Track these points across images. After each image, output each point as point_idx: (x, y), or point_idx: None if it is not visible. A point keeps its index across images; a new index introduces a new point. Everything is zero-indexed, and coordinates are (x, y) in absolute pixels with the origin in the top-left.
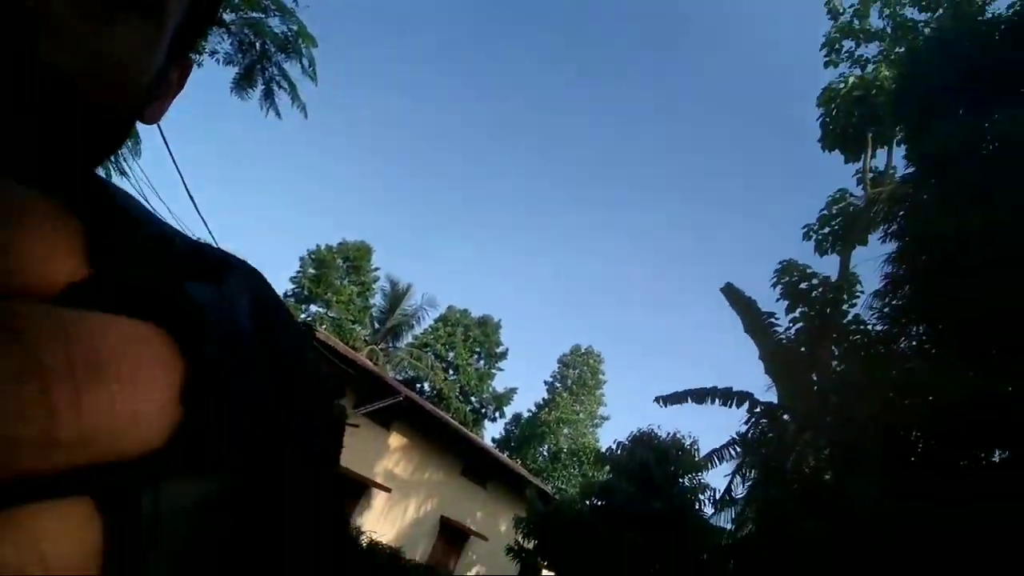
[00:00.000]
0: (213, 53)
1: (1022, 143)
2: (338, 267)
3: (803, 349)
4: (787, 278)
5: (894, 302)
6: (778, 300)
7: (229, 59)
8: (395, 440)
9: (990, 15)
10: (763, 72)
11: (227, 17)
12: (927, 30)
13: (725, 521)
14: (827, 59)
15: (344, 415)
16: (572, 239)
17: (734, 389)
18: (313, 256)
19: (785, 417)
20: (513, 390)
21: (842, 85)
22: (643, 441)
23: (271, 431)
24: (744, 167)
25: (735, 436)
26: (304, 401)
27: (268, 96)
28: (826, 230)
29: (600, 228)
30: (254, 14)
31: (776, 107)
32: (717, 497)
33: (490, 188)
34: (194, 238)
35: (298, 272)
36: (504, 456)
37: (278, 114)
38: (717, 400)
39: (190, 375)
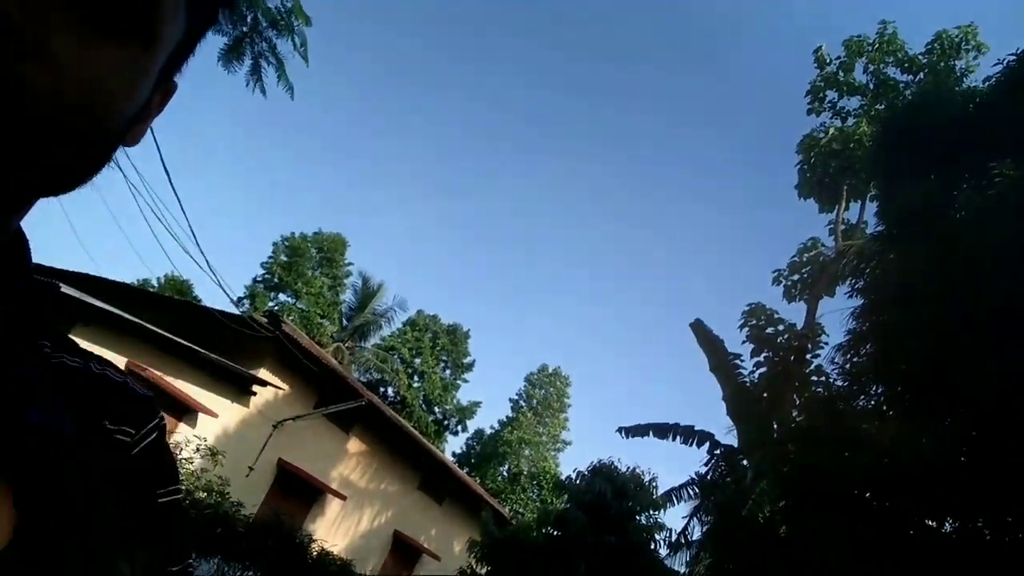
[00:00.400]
0: None
1: (985, 212)
2: (311, 257)
3: (765, 395)
4: (754, 321)
5: (855, 359)
6: (743, 342)
7: (218, 28)
8: (354, 445)
9: (967, 86)
10: (750, 104)
11: None
12: (908, 92)
13: (679, 564)
14: (810, 106)
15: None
16: (548, 257)
17: (696, 428)
18: (287, 243)
19: (744, 462)
20: (477, 404)
21: (822, 135)
22: (602, 473)
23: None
24: (726, 198)
25: (694, 476)
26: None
27: (255, 72)
28: (795, 277)
29: (575, 244)
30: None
31: (758, 140)
32: (673, 538)
33: (479, 193)
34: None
35: (270, 258)
36: (463, 473)
37: (263, 92)
38: (679, 437)
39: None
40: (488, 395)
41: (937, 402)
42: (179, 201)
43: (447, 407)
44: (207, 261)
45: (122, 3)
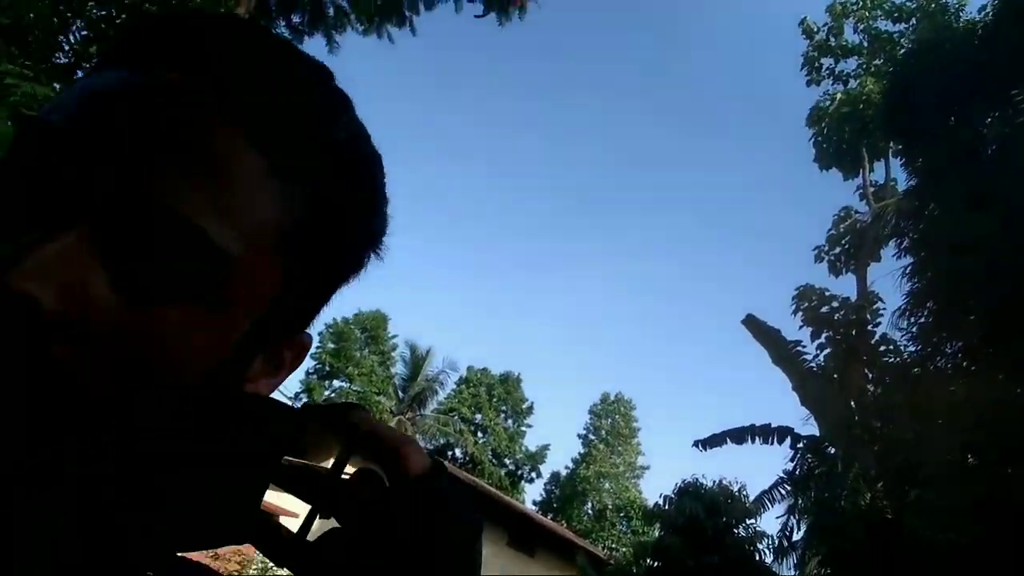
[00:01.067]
0: None
1: (1016, 140)
2: (356, 338)
3: (835, 376)
4: (806, 303)
5: (919, 320)
6: (800, 327)
7: None
8: None
9: (965, 20)
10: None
11: None
12: (904, 41)
13: (787, 568)
14: (808, 78)
15: None
16: (578, 284)
17: (772, 425)
18: (331, 330)
19: (830, 449)
20: (546, 447)
21: (828, 103)
22: (689, 492)
23: None
24: (740, 191)
25: (782, 475)
26: None
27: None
28: (837, 250)
29: (596, 265)
30: None
31: (755, 126)
32: (775, 544)
33: (491, 226)
34: None
35: (318, 347)
36: (548, 520)
37: None
38: (757, 438)
39: None
40: (554, 435)
41: (1019, 346)
42: None
43: (517, 456)
44: None
45: (171, 275)
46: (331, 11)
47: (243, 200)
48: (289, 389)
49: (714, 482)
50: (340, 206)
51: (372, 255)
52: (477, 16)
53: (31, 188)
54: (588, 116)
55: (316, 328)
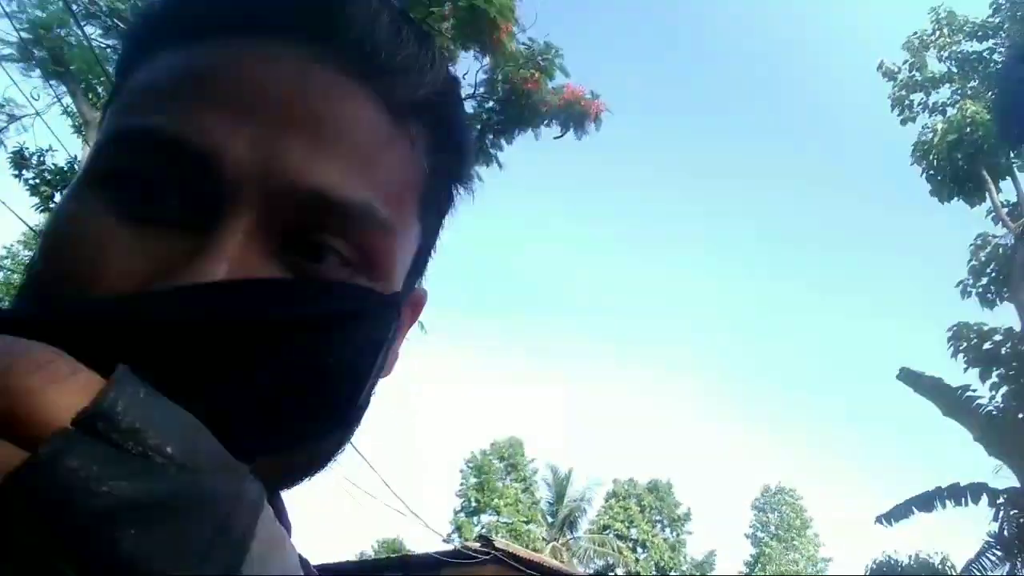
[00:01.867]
0: None
1: None
2: (496, 468)
3: (1021, 415)
4: (964, 343)
5: None
6: (966, 370)
7: None
8: None
9: None
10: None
11: None
12: (996, 56)
13: None
14: (901, 117)
15: None
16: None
17: (962, 484)
18: (471, 464)
19: None
20: (712, 553)
21: (931, 135)
22: (885, 571)
23: None
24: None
25: (989, 539)
26: None
27: None
28: (984, 280)
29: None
30: None
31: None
32: None
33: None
34: None
35: (461, 484)
36: None
37: None
38: (947, 502)
39: None
40: (716, 538)
41: None
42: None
43: (682, 568)
44: (411, 511)
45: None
46: None
47: (386, 158)
48: (441, 529)
49: (909, 557)
50: (450, 153)
51: (464, 192)
52: (556, 137)
53: (170, 187)
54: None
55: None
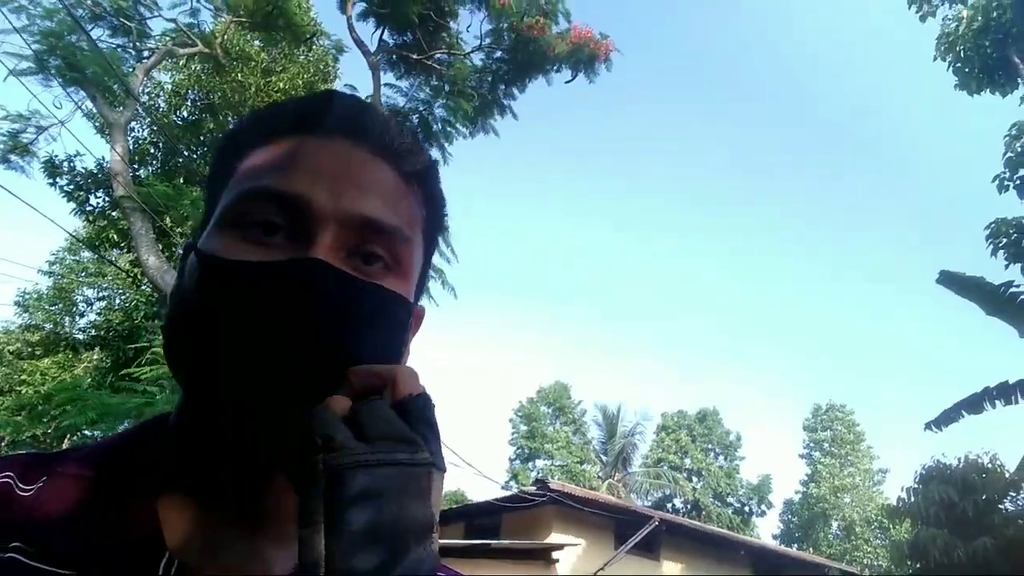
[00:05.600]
0: None
1: None
2: (545, 415)
3: None
4: (1004, 239)
5: None
6: (1007, 266)
7: None
8: (669, 568)
9: None
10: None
11: None
12: None
13: None
14: (919, 13)
15: None
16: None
17: (1011, 381)
18: (520, 413)
19: None
20: (768, 476)
21: (955, 24)
22: (934, 477)
23: None
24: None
25: None
26: None
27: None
28: (1022, 172)
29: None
30: None
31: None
32: None
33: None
34: None
35: (513, 433)
36: (794, 550)
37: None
38: (996, 402)
39: None
40: (773, 463)
41: None
42: None
43: (739, 493)
44: (466, 462)
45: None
46: (438, 126)
47: (402, 202)
48: (498, 477)
49: (958, 460)
50: (436, 202)
51: (441, 235)
52: (567, 82)
53: (277, 226)
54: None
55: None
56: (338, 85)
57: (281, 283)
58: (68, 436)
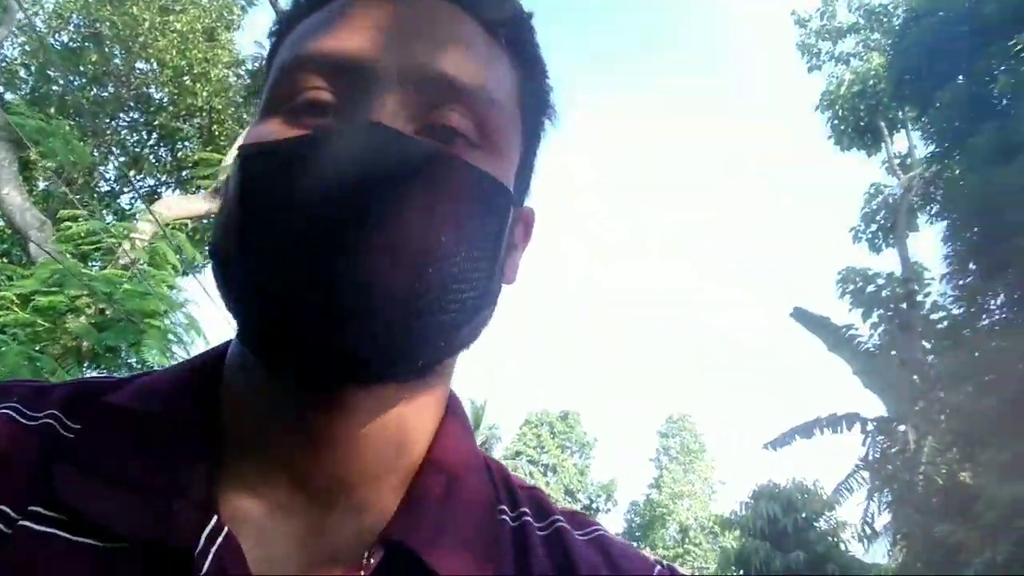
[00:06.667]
0: None
1: None
2: None
3: (893, 352)
4: (851, 286)
5: (962, 282)
6: (851, 310)
7: None
8: None
9: None
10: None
11: None
12: (899, 11)
13: (880, 556)
14: (809, 65)
15: None
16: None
17: (838, 414)
18: None
19: (901, 428)
20: (613, 482)
21: (837, 85)
22: (764, 495)
23: None
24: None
25: (857, 463)
26: None
27: None
28: (873, 227)
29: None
30: None
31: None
32: (860, 532)
33: None
34: None
35: None
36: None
37: None
38: (826, 430)
39: None
40: (626, 466)
41: None
42: None
43: (589, 490)
44: None
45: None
46: None
47: (488, 60)
48: None
49: (789, 481)
50: (534, 64)
51: (546, 118)
52: None
53: (339, 90)
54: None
55: None
56: (239, 36)
57: (328, 159)
58: None
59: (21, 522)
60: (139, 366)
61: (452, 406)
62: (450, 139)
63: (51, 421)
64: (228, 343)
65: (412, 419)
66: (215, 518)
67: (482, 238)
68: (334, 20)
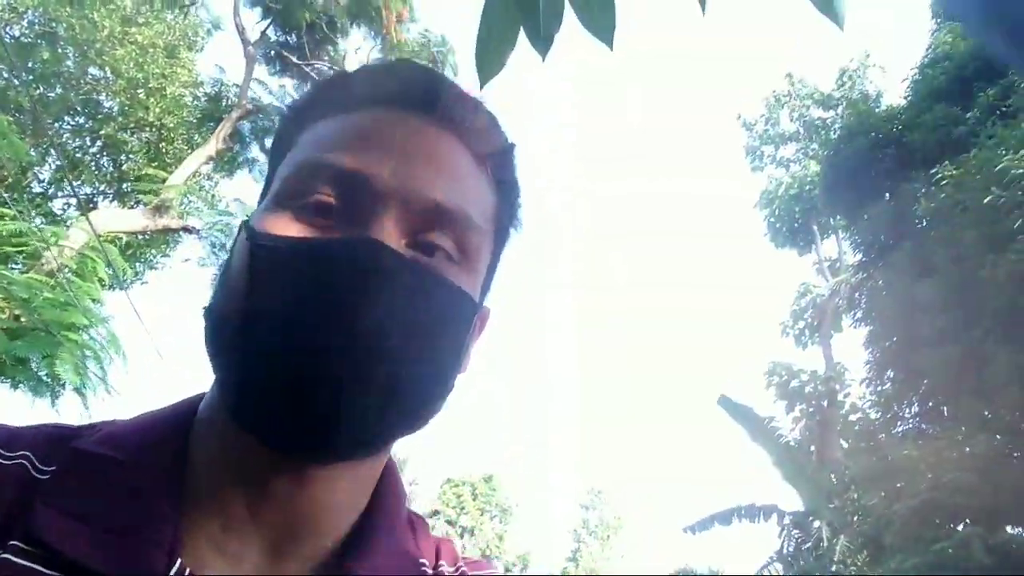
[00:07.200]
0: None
1: (942, 213)
2: None
3: (812, 448)
4: (776, 379)
5: (880, 387)
6: (774, 402)
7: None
8: None
9: (886, 106)
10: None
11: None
12: (835, 127)
13: None
14: (753, 166)
15: None
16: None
17: (757, 505)
18: None
19: (815, 523)
20: (527, 554)
21: (776, 187)
22: None
23: None
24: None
25: (772, 555)
26: None
27: None
28: (801, 324)
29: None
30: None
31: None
32: None
33: None
34: None
35: None
36: None
37: None
38: (744, 519)
39: None
40: (544, 535)
41: (968, 409)
42: None
43: (505, 558)
44: None
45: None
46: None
47: (474, 188)
48: None
49: (706, 568)
50: (510, 190)
51: (513, 229)
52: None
53: (344, 199)
54: None
55: None
56: (200, 59)
57: (329, 263)
58: None
59: (3, 555)
60: (49, 381)
61: (389, 468)
62: (432, 253)
63: (24, 462)
64: (198, 397)
65: (359, 484)
66: (179, 561)
67: (450, 342)
68: (348, 136)
